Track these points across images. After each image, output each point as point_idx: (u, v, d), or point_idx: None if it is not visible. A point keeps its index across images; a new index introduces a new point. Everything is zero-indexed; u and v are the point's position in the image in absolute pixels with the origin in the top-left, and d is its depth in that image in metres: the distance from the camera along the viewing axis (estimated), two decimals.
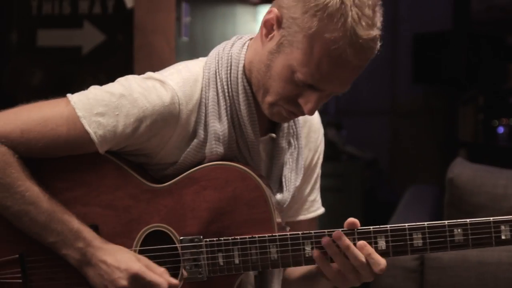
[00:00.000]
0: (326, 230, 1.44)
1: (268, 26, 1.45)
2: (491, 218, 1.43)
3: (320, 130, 1.71)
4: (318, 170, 1.71)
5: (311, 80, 1.42)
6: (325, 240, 1.43)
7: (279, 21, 1.44)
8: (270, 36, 1.46)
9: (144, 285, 1.40)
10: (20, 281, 1.46)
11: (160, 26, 2.59)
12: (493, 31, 4.90)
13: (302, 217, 1.68)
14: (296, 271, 1.63)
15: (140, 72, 2.40)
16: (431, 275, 2.39)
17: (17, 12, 2.89)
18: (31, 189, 1.40)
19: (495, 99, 4.68)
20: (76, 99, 1.43)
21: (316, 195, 1.72)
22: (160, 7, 2.62)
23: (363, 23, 1.39)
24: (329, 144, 3.83)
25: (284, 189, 1.59)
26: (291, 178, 1.60)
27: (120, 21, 2.83)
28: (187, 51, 2.54)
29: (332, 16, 1.38)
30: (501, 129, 4.56)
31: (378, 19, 1.42)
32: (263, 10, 3.54)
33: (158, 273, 1.42)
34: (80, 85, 2.78)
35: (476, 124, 4.70)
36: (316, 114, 1.66)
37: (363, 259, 1.41)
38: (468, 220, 1.43)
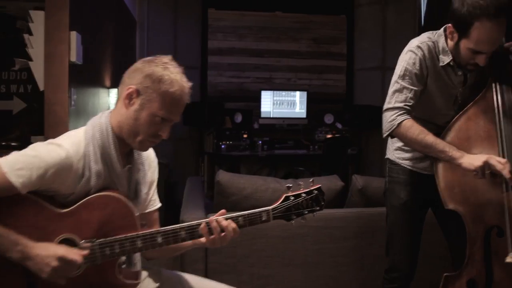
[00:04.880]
0: (195, 222, 1.32)
1: (129, 97, 1.32)
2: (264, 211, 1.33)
3: (156, 159, 1.55)
4: (156, 181, 1.54)
5: (167, 116, 1.32)
6: (213, 223, 1.31)
7: (138, 93, 1.31)
8: (131, 102, 1.32)
9: (67, 262, 1.22)
10: None
11: (59, 100, 2.37)
12: (218, 101, 5.01)
13: (150, 209, 1.52)
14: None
15: (49, 125, 2.04)
16: None
17: None
18: None
19: (220, 132, 4.83)
20: (2, 161, 1.23)
21: (156, 196, 1.55)
22: (59, 90, 2.33)
23: (183, 79, 1.34)
24: None
25: (138, 196, 1.42)
26: (142, 188, 1.44)
27: (34, 96, 2.54)
28: (74, 114, 2.46)
29: (168, 78, 1.30)
30: (223, 146, 4.79)
31: None
32: (112, 91, 3.47)
33: (74, 253, 1.24)
34: (12, 131, 2.61)
35: (212, 144, 4.85)
36: (153, 151, 1.53)
37: (232, 233, 1.32)
38: (267, 208, 1.33)
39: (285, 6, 5.36)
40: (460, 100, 1.77)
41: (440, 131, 1.76)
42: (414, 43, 1.74)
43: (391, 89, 1.75)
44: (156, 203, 1.55)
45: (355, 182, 2.40)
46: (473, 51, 1.61)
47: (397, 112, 1.70)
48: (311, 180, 1.40)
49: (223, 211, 1.36)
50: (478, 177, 1.59)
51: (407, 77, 1.70)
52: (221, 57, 5.26)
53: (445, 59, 1.72)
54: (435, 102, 1.77)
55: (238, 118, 4.93)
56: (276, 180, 2.35)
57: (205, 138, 5.00)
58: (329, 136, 4.96)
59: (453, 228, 1.81)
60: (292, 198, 1.36)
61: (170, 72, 1.32)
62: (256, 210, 1.34)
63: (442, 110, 1.79)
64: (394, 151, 1.92)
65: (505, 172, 1.55)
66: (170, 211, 3.35)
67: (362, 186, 2.36)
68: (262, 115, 5.09)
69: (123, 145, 1.37)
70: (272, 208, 1.35)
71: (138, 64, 1.34)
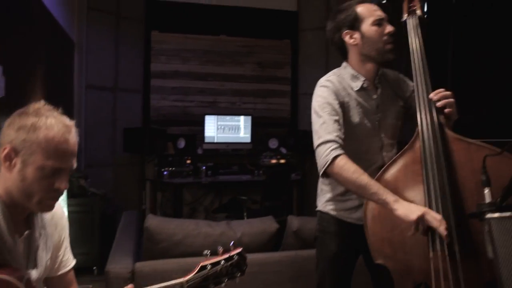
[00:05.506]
0: None
1: (8, 159, 1.16)
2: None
3: (63, 214, 1.39)
4: (66, 238, 1.38)
5: (58, 165, 1.16)
6: None
7: (15, 150, 1.15)
8: (12, 163, 1.16)
9: None
10: None
11: None
12: (160, 126, 4.90)
13: (62, 271, 1.37)
14: None
15: None
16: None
17: None
18: None
19: (162, 158, 4.72)
20: None
21: (69, 254, 1.39)
22: None
23: (63, 118, 1.21)
24: (81, 188, 3.74)
25: (38, 264, 1.26)
26: (43, 256, 1.28)
27: None
28: None
29: (43, 123, 1.16)
30: (165, 172, 4.67)
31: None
32: None
33: None
34: None
35: (153, 171, 4.72)
36: (60, 206, 1.37)
37: None
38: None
39: (230, 30, 5.34)
40: (381, 125, 1.80)
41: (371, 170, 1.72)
42: (321, 80, 1.78)
43: (316, 125, 1.71)
44: (68, 264, 1.40)
45: (290, 223, 2.35)
46: (377, 24, 1.74)
47: (331, 146, 1.65)
48: (232, 243, 1.33)
49: (129, 286, 1.26)
50: (410, 232, 1.52)
51: (326, 110, 1.69)
52: (164, 81, 5.18)
53: (358, 83, 1.77)
54: (359, 130, 1.77)
55: (181, 143, 4.83)
56: (208, 223, 2.28)
57: (146, 164, 4.89)
58: (273, 161, 4.95)
59: (382, 280, 1.75)
60: (209, 266, 1.27)
61: (45, 116, 1.18)
62: (169, 282, 1.24)
63: (369, 137, 1.80)
64: (326, 203, 1.87)
65: (442, 229, 1.46)
66: (106, 245, 3.14)
67: (297, 228, 2.32)
68: (206, 140, 5.01)
69: (18, 212, 1.22)
70: (187, 280, 1.25)
71: (9, 120, 1.20)
